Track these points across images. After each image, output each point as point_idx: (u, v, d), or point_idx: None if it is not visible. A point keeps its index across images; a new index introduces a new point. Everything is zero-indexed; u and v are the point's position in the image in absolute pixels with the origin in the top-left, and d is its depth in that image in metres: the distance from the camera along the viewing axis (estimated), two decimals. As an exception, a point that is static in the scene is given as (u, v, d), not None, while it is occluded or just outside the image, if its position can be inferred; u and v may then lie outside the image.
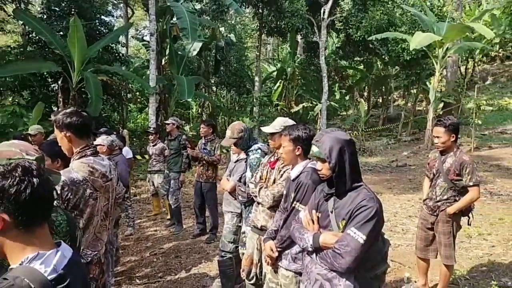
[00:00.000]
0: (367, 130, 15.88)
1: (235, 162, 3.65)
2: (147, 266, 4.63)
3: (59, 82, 9.63)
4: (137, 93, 16.83)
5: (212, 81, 17.69)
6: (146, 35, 21.14)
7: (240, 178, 3.47)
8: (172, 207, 6.02)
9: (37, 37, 11.62)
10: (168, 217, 6.52)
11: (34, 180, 1.07)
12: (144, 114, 18.25)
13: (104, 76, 10.48)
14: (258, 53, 16.56)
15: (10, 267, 1.07)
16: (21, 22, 13.64)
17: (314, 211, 2.05)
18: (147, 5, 11.82)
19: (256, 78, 16.43)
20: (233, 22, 20.68)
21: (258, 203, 2.85)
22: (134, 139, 14.95)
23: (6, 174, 1.05)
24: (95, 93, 9.25)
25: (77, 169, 2.14)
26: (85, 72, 9.59)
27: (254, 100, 16.13)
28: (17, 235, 1.07)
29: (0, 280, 0.99)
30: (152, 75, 11.24)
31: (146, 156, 10.61)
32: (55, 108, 12.10)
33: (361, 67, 18.62)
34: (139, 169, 10.50)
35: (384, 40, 13.73)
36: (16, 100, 9.40)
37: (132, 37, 20.98)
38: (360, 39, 13.88)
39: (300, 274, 2.32)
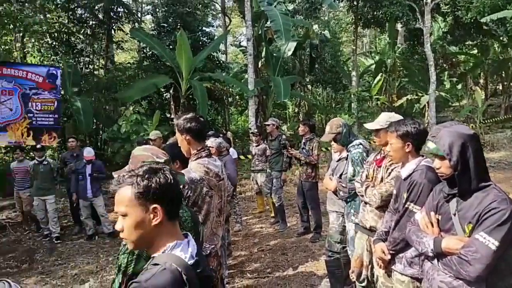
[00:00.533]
0: (486, 121, 14.09)
1: (337, 161, 3.59)
2: (256, 261, 4.84)
3: (171, 91, 10.67)
4: (237, 97, 17.67)
5: (308, 80, 17.63)
6: (242, 41, 22.08)
7: (341, 175, 3.41)
8: (276, 205, 6.19)
9: (151, 52, 13.07)
10: (272, 214, 6.71)
11: (176, 179, 1.25)
12: (244, 116, 19.09)
13: (208, 83, 11.27)
14: (354, 47, 15.95)
15: (152, 255, 1.22)
16: (137, 40, 15.49)
17: (432, 213, 1.90)
18: (243, 12, 12.33)
19: (353, 73, 15.86)
20: (326, 18, 20.31)
21: (366, 202, 2.76)
22: (236, 140, 15.73)
23: (161, 174, 1.21)
24: (201, 99, 10.03)
25: (194, 169, 2.34)
26: (192, 81, 10.46)
27: (352, 95, 15.60)
28: (168, 226, 1.22)
29: (151, 266, 1.14)
30: (250, 78, 11.68)
31: (249, 156, 11.08)
32: (168, 115, 13.45)
33: (475, 51, 16.59)
34: (242, 169, 11.01)
35: (501, 20, 11.98)
36: (137, 109, 10.70)
37: (231, 44, 22.12)
38: (471, 20, 12.35)
39: (417, 279, 2.18)
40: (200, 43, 13.25)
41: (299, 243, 5.36)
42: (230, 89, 16.46)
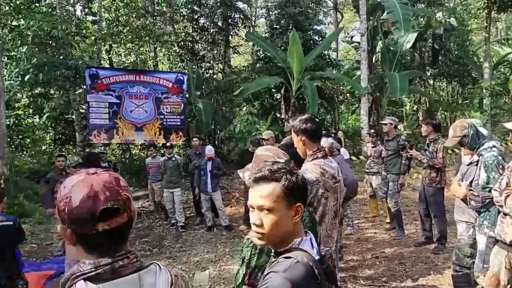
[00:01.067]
0: None
1: (468, 165, 3.18)
2: (369, 268, 4.61)
3: (282, 92, 10.91)
4: (348, 95, 17.14)
5: (429, 74, 16.10)
6: (355, 36, 21.31)
7: (471, 182, 3.01)
8: (392, 210, 5.79)
9: (263, 54, 13.57)
10: (388, 220, 6.30)
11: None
12: (355, 115, 18.41)
13: (319, 82, 11.19)
14: (486, 35, 13.95)
15: (278, 250, 1.24)
16: (251, 43, 16.24)
17: None
18: (357, 6, 11.89)
19: (486, 64, 13.89)
20: (452, 5, 18.22)
21: (505, 214, 2.42)
22: (347, 140, 15.28)
23: (299, 174, 1.27)
24: (311, 98, 10.00)
25: (310, 170, 2.32)
26: (302, 80, 10.52)
27: (484, 90, 13.68)
28: (299, 224, 1.25)
29: (282, 259, 1.16)
30: (363, 75, 11.21)
31: (361, 157, 10.63)
32: (278, 115, 13.81)
33: None
34: (353, 170, 10.63)
35: None
36: (250, 110, 11.24)
37: (342, 40, 21.56)
38: None
39: None
40: (311, 42, 13.23)
41: (419, 253, 4.91)
42: (341, 87, 16.07)
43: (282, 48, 11.99)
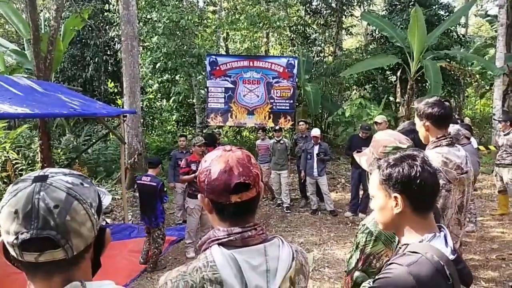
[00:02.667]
0: None
1: None
2: (493, 270, 4.13)
3: (398, 74, 10.15)
4: (477, 76, 15.08)
5: None
6: (491, 9, 18.48)
7: None
8: (528, 210, 5.02)
9: (379, 34, 12.77)
10: (521, 220, 5.50)
11: (430, 170, 1.16)
12: (484, 99, 16.16)
13: (443, 62, 10.09)
14: None
15: (404, 243, 1.19)
16: (364, 24, 15.40)
17: None
18: (495, -27, 10.25)
19: None
20: None
21: None
22: (473, 127, 13.55)
23: (411, 163, 1.16)
24: (434, 80, 9.11)
25: (431, 158, 2.15)
26: (424, 61, 9.61)
27: None
28: (413, 217, 1.18)
29: (408, 253, 1.12)
30: (499, 53, 9.74)
31: (491, 147, 9.39)
32: (392, 99, 12.94)
33: None
34: (481, 161, 9.45)
35: None
36: (362, 94, 10.77)
37: (474, 14, 18.90)
38: None
39: None
40: (436, 17, 11.91)
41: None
42: (469, 68, 14.20)
43: (402, 26, 11.10)
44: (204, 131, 13.18)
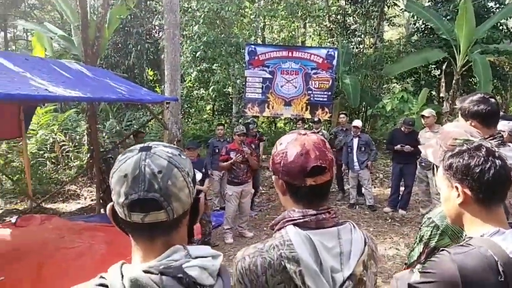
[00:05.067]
0: None
1: None
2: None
3: (443, 67, 9.73)
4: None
5: None
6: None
7: None
8: None
9: (423, 26, 12.26)
10: None
11: (497, 161, 1.11)
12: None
13: (491, 56, 9.57)
14: None
15: (468, 236, 1.17)
16: (406, 14, 14.82)
17: None
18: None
19: None
20: None
21: None
22: (522, 126, 12.78)
23: (472, 153, 1.14)
24: (483, 75, 8.68)
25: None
26: (472, 54, 9.15)
27: None
28: (476, 210, 1.15)
29: (466, 244, 1.09)
30: (556, 48, 9.09)
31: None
32: (434, 93, 12.46)
33: None
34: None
35: None
36: (405, 87, 10.43)
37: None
38: None
39: None
40: (485, 9, 11.28)
41: None
42: (520, 63, 13.36)
43: (448, 18, 10.60)
44: (240, 121, 13.29)
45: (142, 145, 0.84)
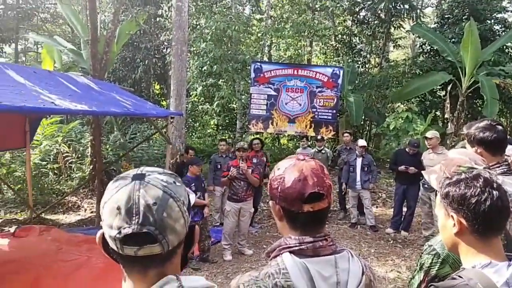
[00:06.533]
0: None
1: None
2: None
3: (448, 89, 9.76)
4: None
5: None
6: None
7: None
8: None
9: (428, 47, 12.35)
10: None
11: (495, 192, 1.09)
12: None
13: (497, 79, 9.59)
14: None
15: (463, 266, 1.15)
16: (412, 35, 14.95)
17: None
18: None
19: None
20: None
21: None
22: (527, 149, 12.68)
23: (469, 183, 1.12)
24: (490, 96, 8.71)
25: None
26: (478, 76, 9.20)
27: None
28: (471, 240, 1.12)
29: (456, 276, 1.07)
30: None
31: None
32: (439, 114, 12.44)
33: None
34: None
35: None
36: (409, 107, 10.44)
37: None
38: None
39: None
40: (491, 32, 11.37)
41: None
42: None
43: (454, 40, 10.68)
44: (244, 136, 13.30)
45: (135, 172, 0.81)
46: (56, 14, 17.60)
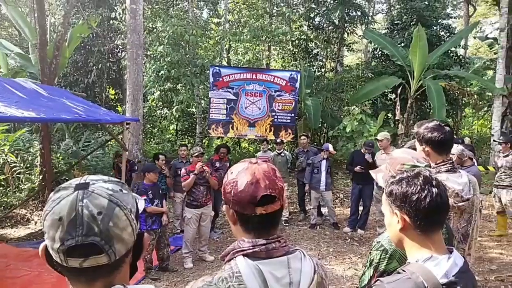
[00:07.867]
0: None
1: None
2: (494, 292, 4.13)
3: (398, 92, 10.28)
4: (476, 97, 15.27)
5: None
6: (490, 33, 18.82)
7: None
8: (527, 232, 5.05)
9: (380, 52, 12.94)
10: (520, 242, 5.52)
11: (434, 189, 1.16)
12: (482, 120, 16.34)
13: (443, 82, 10.23)
14: None
15: (408, 261, 1.20)
16: (365, 41, 15.60)
17: None
18: (496, -2, 10.49)
19: None
20: None
21: None
22: (471, 147, 13.63)
23: (410, 181, 1.19)
24: (437, 100, 9.24)
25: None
26: (425, 80, 9.74)
27: None
28: (414, 235, 1.19)
29: (400, 270, 1.14)
30: (499, 75, 9.89)
31: (490, 168, 9.46)
32: (390, 116, 13.05)
33: None
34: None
35: None
36: (363, 109, 10.86)
37: (473, 37, 19.24)
38: None
39: None
40: (437, 38, 12.12)
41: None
42: (467, 88, 14.40)
43: (402, 45, 11.27)
44: (204, 141, 13.16)
45: (78, 181, 0.78)
46: (1, 16, 16.53)
